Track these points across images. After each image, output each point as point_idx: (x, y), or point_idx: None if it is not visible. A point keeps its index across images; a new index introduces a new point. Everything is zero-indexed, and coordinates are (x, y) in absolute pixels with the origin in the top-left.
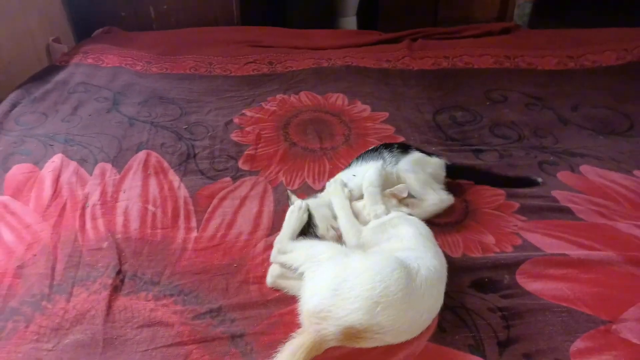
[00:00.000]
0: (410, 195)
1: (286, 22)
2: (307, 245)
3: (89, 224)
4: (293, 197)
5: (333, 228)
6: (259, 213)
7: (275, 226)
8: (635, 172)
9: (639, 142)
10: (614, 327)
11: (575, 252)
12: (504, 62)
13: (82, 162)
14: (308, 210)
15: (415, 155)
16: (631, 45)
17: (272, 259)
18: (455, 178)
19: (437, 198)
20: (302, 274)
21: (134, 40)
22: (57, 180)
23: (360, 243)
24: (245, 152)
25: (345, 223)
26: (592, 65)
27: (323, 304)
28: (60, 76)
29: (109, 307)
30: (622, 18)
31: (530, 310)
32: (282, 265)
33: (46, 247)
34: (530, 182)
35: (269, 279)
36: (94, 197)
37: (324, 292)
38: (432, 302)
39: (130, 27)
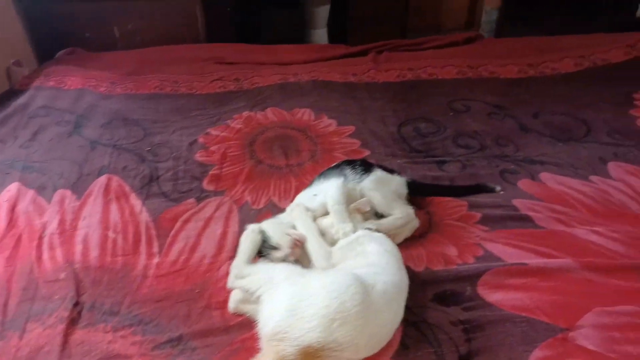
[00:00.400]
0: (376, 215)
1: (256, 36)
2: (264, 268)
3: (46, 254)
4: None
5: (288, 234)
6: (224, 234)
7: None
8: (592, 177)
9: (595, 147)
10: (570, 334)
11: (534, 261)
12: (467, 72)
13: (40, 189)
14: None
15: (378, 173)
16: (588, 52)
17: (229, 284)
18: (417, 195)
19: (404, 212)
20: (260, 297)
21: (98, 60)
22: (12, 210)
23: (331, 264)
24: (210, 172)
25: (314, 246)
26: (552, 73)
27: (280, 325)
28: (20, 100)
29: (65, 341)
30: (588, 22)
31: (491, 322)
32: (240, 290)
33: None
34: (487, 190)
35: (231, 304)
36: (52, 226)
37: (280, 313)
38: (390, 317)
39: (94, 47)
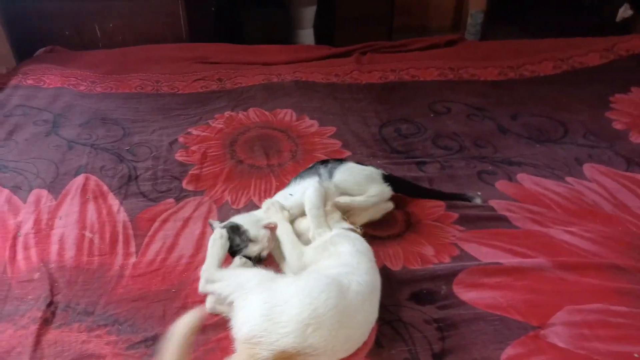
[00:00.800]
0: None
1: (241, 36)
2: (235, 273)
3: (20, 255)
4: (215, 224)
5: (265, 227)
6: (202, 234)
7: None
8: (568, 178)
9: (571, 148)
10: (542, 332)
11: (509, 260)
12: (448, 74)
13: (15, 189)
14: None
15: (349, 164)
16: (566, 55)
17: (200, 289)
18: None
19: (378, 189)
20: (232, 302)
21: (79, 59)
22: None
23: (303, 264)
24: (190, 172)
25: (287, 246)
26: (531, 75)
27: (255, 330)
28: None
29: (37, 342)
30: (571, 25)
31: (465, 320)
32: (212, 294)
33: None
34: (465, 199)
35: (208, 305)
36: (27, 226)
37: (255, 318)
38: (365, 317)
39: (74, 46)
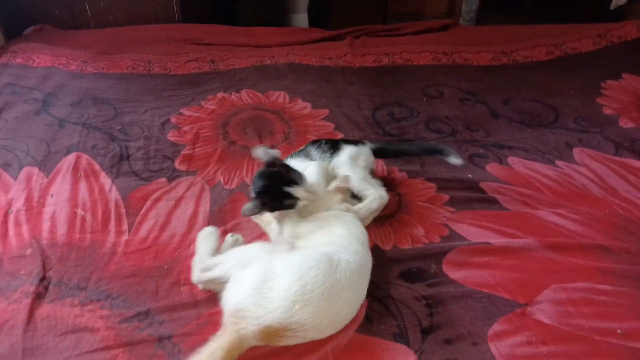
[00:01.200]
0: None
1: (235, 19)
2: (231, 253)
3: (11, 231)
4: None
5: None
6: (194, 213)
7: (211, 226)
8: (558, 162)
9: (562, 133)
10: (528, 309)
11: (498, 240)
12: (441, 58)
13: (5, 166)
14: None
15: (347, 150)
16: (559, 41)
17: (194, 279)
18: (381, 157)
19: (377, 194)
20: (230, 278)
21: (69, 39)
22: None
23: (295, 234)
24: (182, 152)
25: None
26: (524, 61)
27: (242, 304)
28: None
29: (30, 315)
30: (566, 11)
31: (453, 298)
32: (208, 282)
33: None
34: (444, 153)
35: (195, 278)
36: (19, 203)
37: (244, 292)
38: (353, 295)
39: (64, 25)
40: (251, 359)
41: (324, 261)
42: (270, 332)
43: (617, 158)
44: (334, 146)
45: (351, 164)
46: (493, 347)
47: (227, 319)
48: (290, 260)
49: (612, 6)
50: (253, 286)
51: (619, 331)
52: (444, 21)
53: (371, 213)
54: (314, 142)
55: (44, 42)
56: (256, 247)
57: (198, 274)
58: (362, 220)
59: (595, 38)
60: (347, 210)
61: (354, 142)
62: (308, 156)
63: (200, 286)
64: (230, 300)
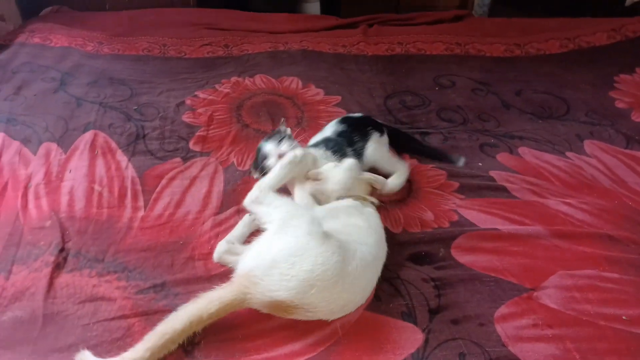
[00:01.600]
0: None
1: (248, 5)
2: (283, 204)
3: (31, 204)
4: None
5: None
6: (208, 193)
7: (224, 205)
8: (568, 153)
9: (573, 125)
10: (535, 294)
11: (506, 227)
12: (454, 48)
13: (25, 141)
14: None
15: (374, 139)
16: (573, 34)
17: (246, 203)
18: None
19: (405, 166)
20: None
21: (85, 20)
22: None
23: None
24: (197, 134)
25: (299, 195)
26: (537, 53)
27: (258, 270)
28: (3, 55)
29: (50, 284)
30: (580, 7)
31: (461, 280)
32: (253, 213)
33: None
34: (447, 159)
35: (216, 255)
36: (38, 177)
37: (264, 259)
38: (366, 284)
39: (81, 7)
40: (261, 331)
41: (345, 250)
42: (278, 306)
43: (627, 151)
44: (362, 136)
45: (380, 153)
46: (499, 328)
47: (237, 278)
48: (315, 242)
49: (628, 2)
50: (275, 257)
51: (624, 317)
52: (457, 12)
53: (402, 184)
54: (347, 122)
55: (60, 23)
56: (304, 212)
57: (250, 202)
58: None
59: (610, 32)
60: (383, 186)
61: (376, 124)
62: (339, 149)
63: (215, 258)
64: (247, 261)
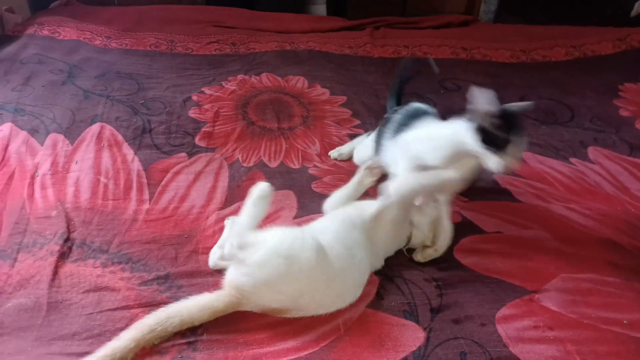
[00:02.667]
0: None
1: (254, 5)
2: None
3: (38, 193)
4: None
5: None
6: (213, 188)
7: (229, 201)
8: (572, 159)
9: (577, 132)
10: (537, 296)
11: (509, 230)
12: (460, 53)
13: (32, 132)
14: None
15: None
16: (579, 43)
17: (231, 253)
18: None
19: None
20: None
21: (94, 14)
22: (5, 149)
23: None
24: (203, 129)
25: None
26: (542, 60)
27: (250, 284)
28: (13, 47)
29: (55, 272)
30: (585, 16)
31: (463, 281)
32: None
33: None
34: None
35: (211, 263)
36: (45, 167)
37: (258, 274)
38: (355, 281)
39: (90, 1)
40: (263, 326)
41: (326, 252)
42: (272, 311)
43: (631, 158)
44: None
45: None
46: (500, 328)
47: (228, 289)
48: (304, 253)
49: (633, 13)
50: (267, 278)
51: (625, 322)
52: (464, 17)
53: None
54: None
55: (69, 16)
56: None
57: (234, 251)
58: None
59: (616, 41)
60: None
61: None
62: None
63: (210, 265)
64: (238, 277)
